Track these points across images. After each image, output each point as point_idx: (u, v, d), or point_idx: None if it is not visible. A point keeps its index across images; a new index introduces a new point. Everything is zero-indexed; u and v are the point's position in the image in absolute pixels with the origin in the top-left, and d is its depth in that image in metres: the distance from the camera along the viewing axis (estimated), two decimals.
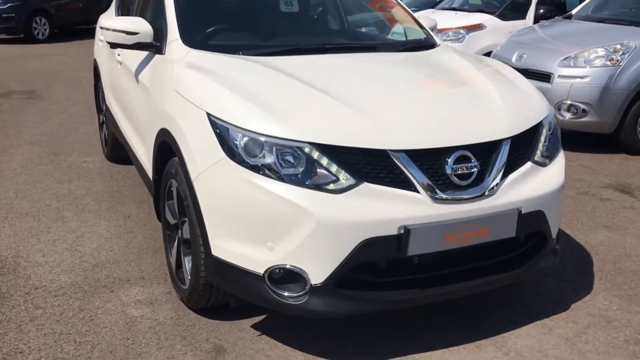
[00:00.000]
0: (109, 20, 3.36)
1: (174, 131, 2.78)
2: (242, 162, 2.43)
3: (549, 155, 2.80)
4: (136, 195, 4.56)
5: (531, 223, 2.64)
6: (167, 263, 3.26)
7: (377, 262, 2.46)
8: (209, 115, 2.56)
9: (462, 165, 2.46)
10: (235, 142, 2.45)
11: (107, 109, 4.86)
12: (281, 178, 2.37)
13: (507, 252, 2.70)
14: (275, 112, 2.49)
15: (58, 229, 3.93)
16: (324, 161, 2.37)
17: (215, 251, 2.56)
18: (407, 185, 2.40)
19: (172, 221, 3.09)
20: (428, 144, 2.45)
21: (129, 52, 3.75)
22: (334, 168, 2.37)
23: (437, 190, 2.42)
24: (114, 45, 3.38)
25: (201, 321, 2.90)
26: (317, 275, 2.38)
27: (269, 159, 2.40)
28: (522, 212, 2.57)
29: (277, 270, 2.42)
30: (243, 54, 3.09)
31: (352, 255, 2.34)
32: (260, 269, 2.44)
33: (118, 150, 5.14)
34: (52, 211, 4.19)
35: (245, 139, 2.44)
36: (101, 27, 3.38)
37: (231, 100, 2.58)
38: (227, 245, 2.51)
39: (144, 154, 3.53)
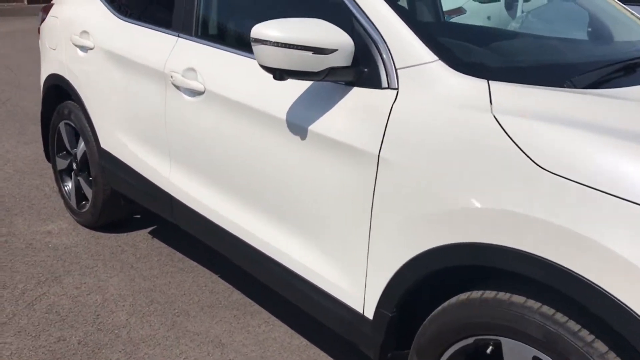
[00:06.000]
0: (267, 28, 1.74)
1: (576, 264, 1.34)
2: None
3: None
4: (212, 298, 2.89)
5: None
6: None
7: None
8: None
9: None
10: None
11: (108, 155, 3.05)
12: None
13: None
14: None
15: None
16: None
17: None
18: None
19: None
20: None
21: (246, 78, 2.14)
22: None
23: None
24: (281, 75, 1.77)
25: None
26: None
27: None
28: None
29: None
30: (574, 85, 1.70)
31: None
32: None
33: (111, 213, 3.38)
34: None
35: None
36: (255, 40, 1.75)
37: None
38: None
39: (327, 266, 1.96)
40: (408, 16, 1.82)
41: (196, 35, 2.44)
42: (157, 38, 2.60)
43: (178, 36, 2.50)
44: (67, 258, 3.18)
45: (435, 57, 1.68)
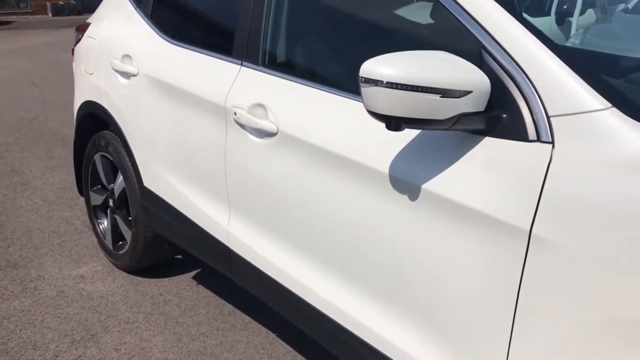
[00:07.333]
0: (382, 65, 1.35)
1: None
2: None
3: None
4: None
5: None
6: None
7: None
8: None
9: None
10: None
11: (152, 195, 2.68)
12: None
13: None
14: None
15: None
16: None
17: None
18: None
19: None
20: None
21: (335, 120, 1.75)
22: None
23: None
24: (397, 124, 1.38)
25: None
26: None
27: None
28: None
29: None
30: None
31: None
32: None
33: (152, 257, 3.02)
34: None
35: None
36: (364, 80, 1.37)
37: None
38: None
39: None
40: (557, 46, 1.42)
41: (263, 65, 2.06)
42: (215, 66, 2.23)
43: (241, 64, 2.12)
44: (103, 310, 2.81)
45: (608, 104, 1.28)
